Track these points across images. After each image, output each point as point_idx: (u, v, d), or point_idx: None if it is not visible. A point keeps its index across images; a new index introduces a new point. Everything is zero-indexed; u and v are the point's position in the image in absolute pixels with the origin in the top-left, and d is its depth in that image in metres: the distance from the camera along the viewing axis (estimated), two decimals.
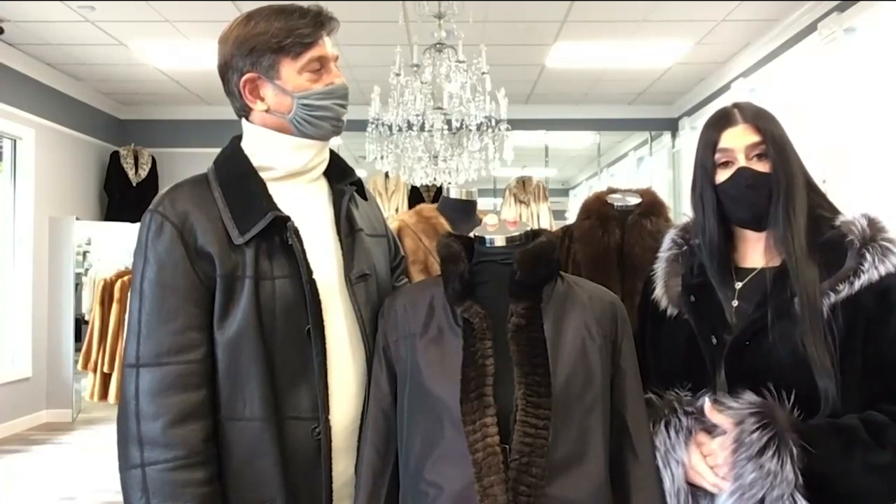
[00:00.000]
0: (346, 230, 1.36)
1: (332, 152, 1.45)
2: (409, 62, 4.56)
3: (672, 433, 1.24)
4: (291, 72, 1.30)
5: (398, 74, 4.61)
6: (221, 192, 1.29)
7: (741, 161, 1.30)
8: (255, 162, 1.34)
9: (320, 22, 1.30)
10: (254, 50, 1.29)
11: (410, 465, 1.21)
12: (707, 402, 1.22)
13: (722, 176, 1.32)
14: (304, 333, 1.25)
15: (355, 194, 1.43)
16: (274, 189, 1.32)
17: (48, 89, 6.29)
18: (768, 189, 1.28)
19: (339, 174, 1.42)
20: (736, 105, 1.35)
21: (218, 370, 1.23)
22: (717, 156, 1.32)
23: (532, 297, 1.22)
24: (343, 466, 1.30)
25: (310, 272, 1.26)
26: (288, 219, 1.27)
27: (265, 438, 1.22)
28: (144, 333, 1.21)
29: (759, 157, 1.30)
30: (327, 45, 1.33)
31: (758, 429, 1.15)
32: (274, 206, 1.27)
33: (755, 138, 1.29)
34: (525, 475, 1.11)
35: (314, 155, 1.36)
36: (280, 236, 1.26)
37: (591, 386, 1.20)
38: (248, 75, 1.31)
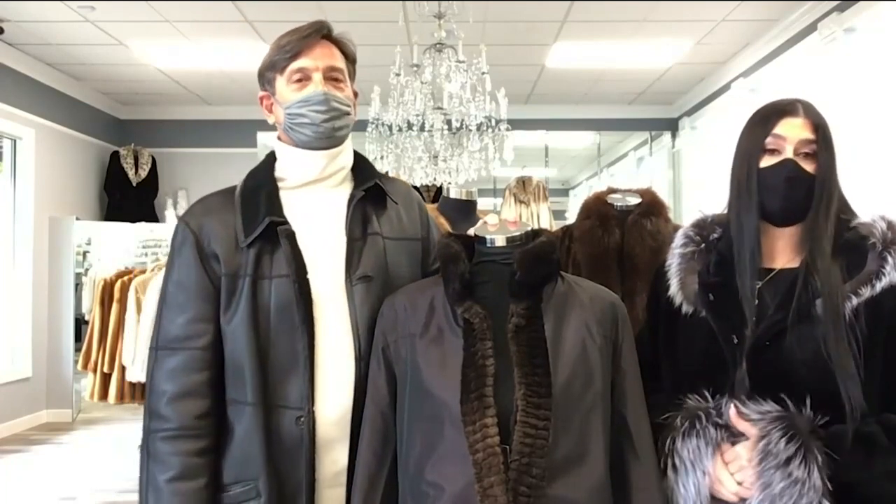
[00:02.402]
0: (357, 233, 1.42)
1: (358, 156, 1.52)
2: (409, 62, 4.56)
3: (702, 444, 1.24)
4: (282, 85, 1.43)
5: (398, 74, 4.61)
6: (240, 200, 1.42)
7: (789, 153, 1.29)
8: (277, 173, 1.46)
9: (304, 36, 1.41)
10: (263, 70, 1.46)
11: (411, 466, 1.21)
12: (732, 410, 1.23)
13: (766, 162, 1.30)
14: (297, 329, 1.34)
15: (389, 198, 1.49)
16: (290, 196, 1.43)
17: (48, 89, 6.29)
18: (806, 189, 1.28)
19: (361, 178, 1.48)
20: (798, 100, 1.34)
21: (224, 357, 1.37)
22: (767, 140, 1.30)
23: (532, 297, 1.22)
24: (333, 456, 1.35)
25: (301, 272, 1.35)
26: (282, 223, 1.37)
27: (254, 422, 1.32)
28: (162, 323, 1.38)
29: (808, 155, 1.29)
30: (313, 58, 1.41)
31: (784, 438, 1.16)
32: (274, 213, 1.38)
33: (810, 135, 1.29)
34: (525, 475, 1.11)
35: (326, 164, 1.44)
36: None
37: (592, 386, 1.20)
38: (261, 93, 1.49)
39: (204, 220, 1.40)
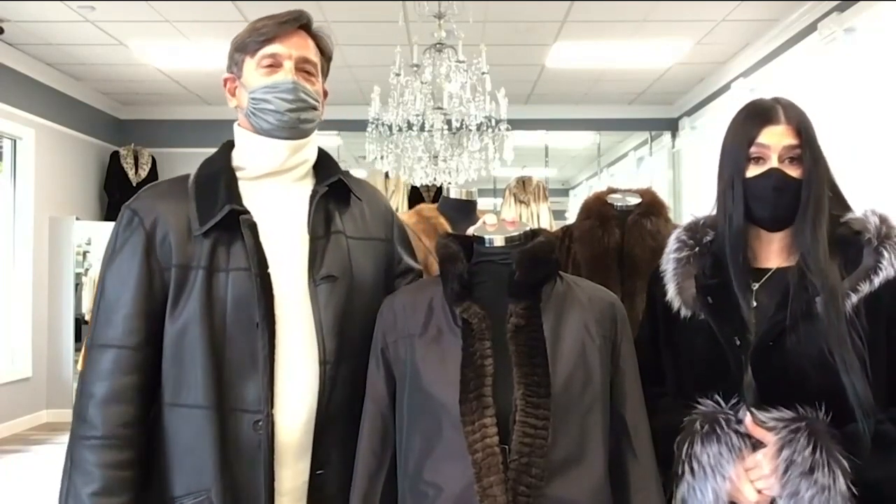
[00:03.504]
0: (319, 231, 1.35)
1: (322, 152, 1.46)
2: (409, 62, 4.56)
3: (724, 450, 1.23)
4: (251, 69, 1.37)
5: (398, 74, 4.61)
6: (194, 188, 1.33)
7: (774, 161, 1.29)
8: (235, 162, 1.39)
9: (282, 23, 1.35)
10: (231, 51, 1.41)
11: (410, 466, 1.21)
12: (748, 419, 1.23)
13: (752, 172, 1.30)
14: (255, 326, 1.26)
15: (350, 194, 1.44)
16: (249, 187, 1.35)
17: (48, 89, 6.29)
18: (794, 194, 1.28)
19: (324, 175, 1.42)
20: (778, 101, 1.33)
21: (164, 358, 1.27)
22: (751, 149, 1.30)
23: (531, 297, 1.22)
24: (296, 468, 1.28)
25: (262, 266, 1.27)
26: (244, 212, 1.29)
27: (205, 427, 1.23)
28: (98, 319, 1.28)
29: (793, 160, 1.29)
30: (287, 45, 1.36)
31: (808, 447, 1.16)
32: (234, 201, 1.30)
33: (793, 141, 1.28)
34: (524, 475, 1.11)
35: (288, 155, 1.37)
36: (241, 230, 1.29)
37: (591, 386, 1.20)
38: (226, 75, 1.43)
39: (155, 206, 1.31)
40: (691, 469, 1.25)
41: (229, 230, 1.29)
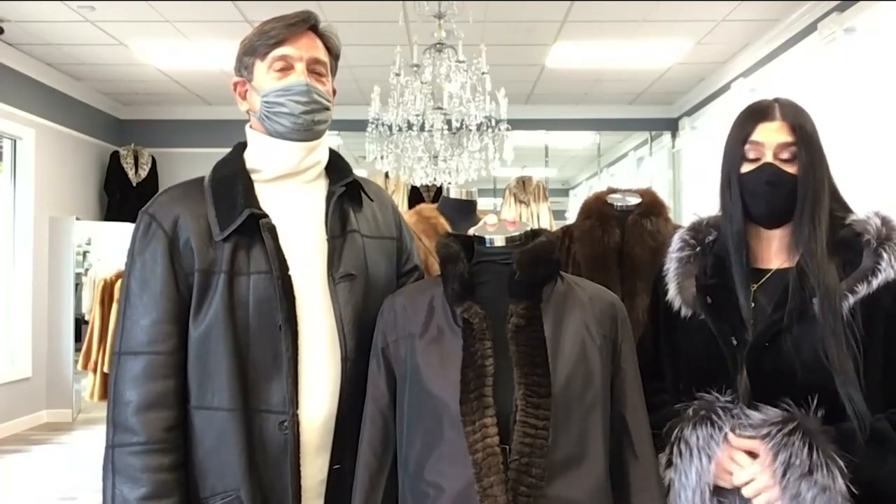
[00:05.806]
0: (337, 230, 1.37)
1: (333, 153, 1.48)
2: (409, 62, 4.57)
3: (716, 432, 1.23)
4: (261, 72, 1.37)
5: (398, 74, 4.61)
6: (211, 192, 1.35)
7: (768, 157, 1.29)
8: (249, 164, 1.40)
9: (291, 24, 1.36)
10: (241, 55, 1.40)
11: (410, 466, 1.21)
12: (731, 437, 1.22)
13: (746, 168, 1.31)
14: (277, 328, 1.28)
15: (361, 194, 1.46)
16: (265, 189, 1.37)
17: (48, 89, 6.29)
18: (789, 190, 1.28)
19: (337, 175, 1.44)
20: (777, 100, 1.34)
21: (188, 361, 1.28)
22: (746, 146, 1.31)
23: (532, 297, 1.22)
24: (320, 464, 1.30)
25: (283, 268, 1.29)
26: (263, 216, 1.31)
27: (231, 429, 1.25)
28: (126, 325, 1.29)
29: (789, 157, 1.29)
30: (298, 47, 1.36)
31: (804, 448, 1.16)
32: (252, 205, 1.31)
33: (788, 138, 1.29)
34: (525, 475, 1.11)
35: (303, 156, 1.39)
36: (260, 233, 1.31)
37: (591, 386, 1.20)
38: (235, 79, 1.43)
39: (173, 210, 1.32)
40: (679, 452, 1.26)
41: (249, 234, 1.30)
